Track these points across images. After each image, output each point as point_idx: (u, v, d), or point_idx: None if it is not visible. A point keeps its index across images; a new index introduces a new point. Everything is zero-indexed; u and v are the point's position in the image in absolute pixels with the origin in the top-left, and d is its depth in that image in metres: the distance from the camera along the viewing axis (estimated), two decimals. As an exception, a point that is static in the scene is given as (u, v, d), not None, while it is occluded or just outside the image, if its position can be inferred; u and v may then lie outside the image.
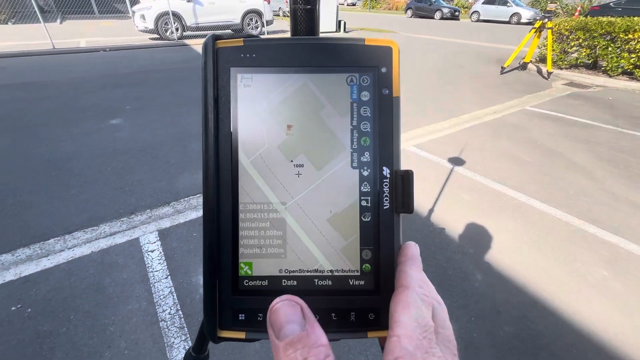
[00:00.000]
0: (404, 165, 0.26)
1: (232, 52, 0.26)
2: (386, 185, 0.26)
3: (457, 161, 3.16)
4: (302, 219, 0.26)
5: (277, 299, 0.22)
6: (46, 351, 1.45)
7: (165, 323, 1.58)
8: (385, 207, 0.26)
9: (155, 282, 1.79)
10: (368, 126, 0.26)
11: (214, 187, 0.25)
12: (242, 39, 0.26)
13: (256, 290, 0.26)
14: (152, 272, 1.86)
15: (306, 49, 0.27)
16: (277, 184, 0.26)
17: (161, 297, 1.71)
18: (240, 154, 0.26)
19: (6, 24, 11.98)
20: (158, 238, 2.12)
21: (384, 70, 0.27)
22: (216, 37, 0.26)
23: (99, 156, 3.11)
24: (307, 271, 0.26)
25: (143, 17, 9.13)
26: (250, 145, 0.26)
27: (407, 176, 0.26)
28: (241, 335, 0.26)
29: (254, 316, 0.26)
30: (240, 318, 0.26)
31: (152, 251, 2.02)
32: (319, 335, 0.21)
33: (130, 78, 5.81)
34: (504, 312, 1.68)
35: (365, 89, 0.27)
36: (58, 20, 12.92)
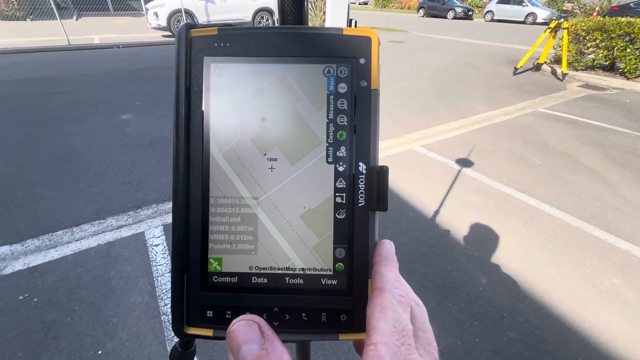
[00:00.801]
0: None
1: (206, 41, 0.26)
2: (362, 181, 0.25)
3: (465, 162, 3.11)
4: (274, 214, 0.25)
5: (234, 321, 0.21)
6: (50, 340, 1.48)
7: (167, 317, 1.60)
8: (360, 204, 0.25)
9: (158, 276, 1.81)
10: (345, 120, 0.25)
11: (184, 179, 0.25)
12: (216, 27, 0.26)
13: (225, 287, 0.25)
14: (155, 266, 1.89)
15: (282, 39, 0.26)
16: (250, 178, 0.25)
17: (164, 291, 1.73)
18: (212, 146, 0.25)
19: (24, 20, 12.27)
20: (163, 232, 2.15)
21: (362, 61, 0.26)
22: (190, 26, 0.26)
23: (108, 151, 3.16)
24: (278, 269, 0.25)
25: (156, 14, 9.26)
26: (223, 137, 0.25)
27: (383, 172, 0.25)
28: (209, 332, 0.25)
29: (223, 314, 0.25)
30: (208, 315, 0.25)
31: (157, 245, 2.04)
32: (280, 353, 0.20)
33: (141, 74, 5.89)
34: (508, 317, 1.65)
35: (342, 81, 0.26)
36: (74, 17, 13.19)
